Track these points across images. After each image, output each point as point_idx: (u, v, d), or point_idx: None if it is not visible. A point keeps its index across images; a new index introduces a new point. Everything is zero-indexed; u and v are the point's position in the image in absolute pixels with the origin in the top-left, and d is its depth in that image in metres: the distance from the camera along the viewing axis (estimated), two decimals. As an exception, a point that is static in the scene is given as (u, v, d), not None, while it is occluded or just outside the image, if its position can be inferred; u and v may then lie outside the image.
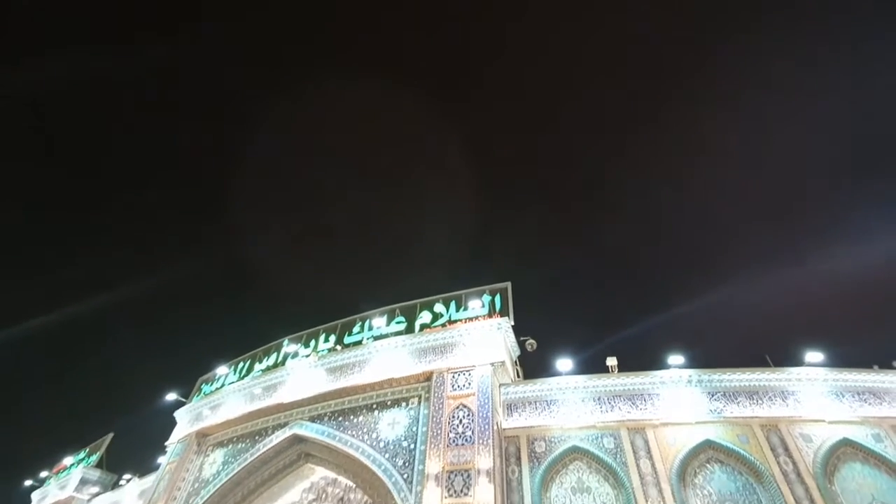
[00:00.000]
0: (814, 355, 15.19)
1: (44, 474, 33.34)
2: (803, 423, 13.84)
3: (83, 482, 28.04)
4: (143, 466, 26.15)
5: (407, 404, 16.61)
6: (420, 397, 16.48)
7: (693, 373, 15.09)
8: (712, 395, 14.66)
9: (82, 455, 30.68)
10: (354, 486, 17.96)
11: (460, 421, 14.64)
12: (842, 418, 13.82)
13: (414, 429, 15.65)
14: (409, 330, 18.42)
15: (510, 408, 15.71)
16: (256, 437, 19.10)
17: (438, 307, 18.67)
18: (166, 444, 22.39)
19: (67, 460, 32.07)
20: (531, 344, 17.55)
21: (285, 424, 18.52)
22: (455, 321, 17.75)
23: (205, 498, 18.09)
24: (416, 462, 14.57)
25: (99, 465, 28.77)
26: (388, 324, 19.28)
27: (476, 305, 17.74)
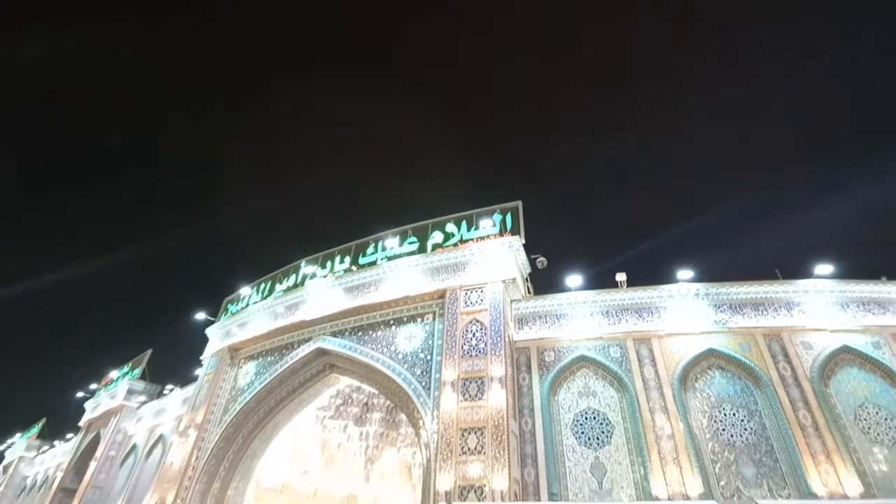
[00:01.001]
0: (823, 268, 15.31)
1: (93, 386, 36.68)
2: (805, 332, 14.36)
3: (130, 392, 30.86)
4: (183, 378, 28.60)
5: (422, 320, 17.43)
6: (434, 313, 17.23)
7: (701, 286, 15.44)
8: (718, 307, 15.13)
9: (126, 369, 33.45)
10: (377, 392, 19.47)
11: (473, 334, 15.41)
12: (844, 327, 14.26)
13: (430, 342, 16.57)
14: (422, 250, 18.79)
15: (521, 322, 16.43)
16: (284, 351, 20.45)
17: (450, 227, 18.85)
18: (202, 358, 24.18)
19: (113, 374, 35.05)
20: (541, 262, 17.88)
21: (309, 339, 19.70)
22: (466, 241, 18.00)
23: (242, 404, 19.85)
24: (433, 371, 15.62)
25: (142, 377, 31.46)
26: (401, 244, 19.64)
27: (487, 225, 17.86)
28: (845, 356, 13.99)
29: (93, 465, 29.11)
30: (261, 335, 21.37)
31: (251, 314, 22.51)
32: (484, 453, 12.86)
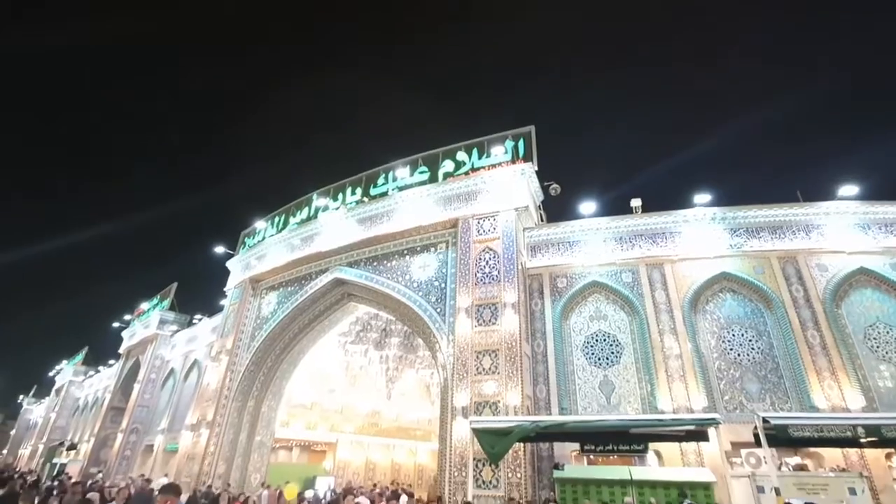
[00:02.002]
0: (848, 189, 14.78)
1: (127, 317, 38.86)
2: (822, 255, 14.19)
3: (162, 322, 32.67)
4: (209, 308, 30.03)
5: (435, 249, 17.62)
6: (447, 242, 17.37)
7: (717, 210, 15.14)
8: (734, 232, 14.94)
9: (156, 301, 35.14)
10: (394, 318, 20.27)
11: (486, 262, 15.60)
12: (864, 249, 14.03)
13: (443, 270, 16.88)
14: (433, 179, 18.55)
15: (534, 249, 16.52)
16: (302, 282, 21.11)
17: (461, 155, 18.42)
18: (225, 289, 25.16)
19: (144, 305, 36.93)
20: (555, 189, 17.57)
21: (326, 270, 20.22)
22: (478, 168, 17.65)
23: (267, 331, 20.92)
24: (448, 298, 16.07)
25: (171, 308, 33.11)
26: (412, 174, 19.38)
27: (499, 152, 17.39)
28: (861, 278, 13.91)
29: (136, 387, 31.66)
30: (279, 267, 21.98)
31: (268, 247, 23.01)
32: (498, 373, 13.55)
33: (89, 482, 18.54)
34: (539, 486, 12.68)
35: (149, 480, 13.08)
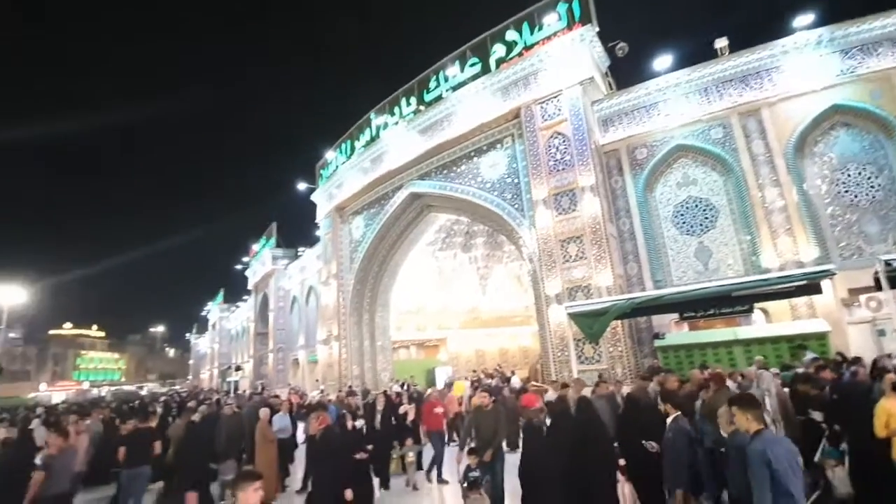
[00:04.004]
0: None
1: (245, 259, 44.13)
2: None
3: (274, 258, 36.73)
4: (309, 240, 32.95)
5: (502, 145, 17.12)
6: (513, 135, 16.72)
7: (824, 31, 12.49)
8: (846, 53, 12.36)
9: (263, 241, 39.23)
10: (475, 221, 20.74)
11: (557, 148, 14.91)
12: None
13: (514, 165, 16.51)
14: (485, 70, 17.36)
15: (606, 123, 15.35)
16: (382, 201, 22.03)
17: (510, 35, 16.80)
18: (317, 221, 27.19)
19: (255, 247, 41.45)
20: (622, 48, 15.59)
21: (400, 186, 20.77)
22: (531, 46, 16.08)
23: (362, 252, 22.65)
24: (523, 193, 15.92)
25: (277, 245, 36.86)
26: (463, 69, 18.28)
27: (552, 20, 15.56)
28: None
29: (271, 315, 36.98)
30: (357, 192, 22.98)
31: (343, 175, 23.94)
32: (585, 258, 13.66)
33: (257, 393, 22.96)
34: (640, 355, 13.29)
35: (353, 393, 15.80)
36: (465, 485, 5.91)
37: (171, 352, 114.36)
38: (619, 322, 12.47)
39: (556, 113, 15.08)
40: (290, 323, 35.88)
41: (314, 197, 27.04)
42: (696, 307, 10.95)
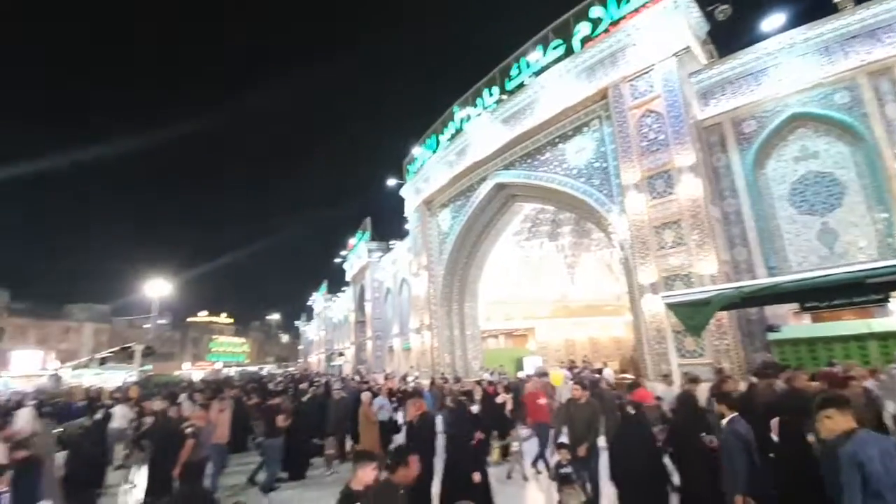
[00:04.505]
0: None
1: (343, 253, 47.43)
2: None
3: (369, 251, 39.06)
4: (399, 233, 34.53)
5: (588, 129, 16.46)
6: (600, 118, 16.00)
7: None
8: None
9: (358, 235, 41.86)
10: (561, 209, 20.25)
11: (650, 127, 14.00)
12: None
13: (602, 149, 15.82)
14: (569, 52, 16.73)
15: (706, 96, 14.03)
16: (467, 193, 22.38)
17: (595, 11, 15.98)
18: (405, 214, 28.40)
19: (352, 241, 44.35)
20: (723, 11, 14.08)
21: (485, 178, 20.91)
22: (618, 21, 15.16)
23: (450, 244, 23.24)
24: (612, 177, 15.21)
25: (372, 239, 39.13)
26: (545, 53, 17.80)
27: (641, -10, 14.51)
28: None
29: (367, 305, 39.43)
30: (444, 185, 23.56)
31: (429, 169, 24.67)
32: (684, 244, 12.74)
33: (359, 377, 24.78)
34: (751, 349, 12.14)
35: (445, 380, 16.93)
36: (558, 479, 5.94)
37: (285, 337, 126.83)
38: (724, 313, 11.48)
39: (648, 90, 14.12)
40: (385, 312, 37.99)
41: (403, 192, 28.21)
42: (821, 296, 9.68)
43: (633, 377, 14.97)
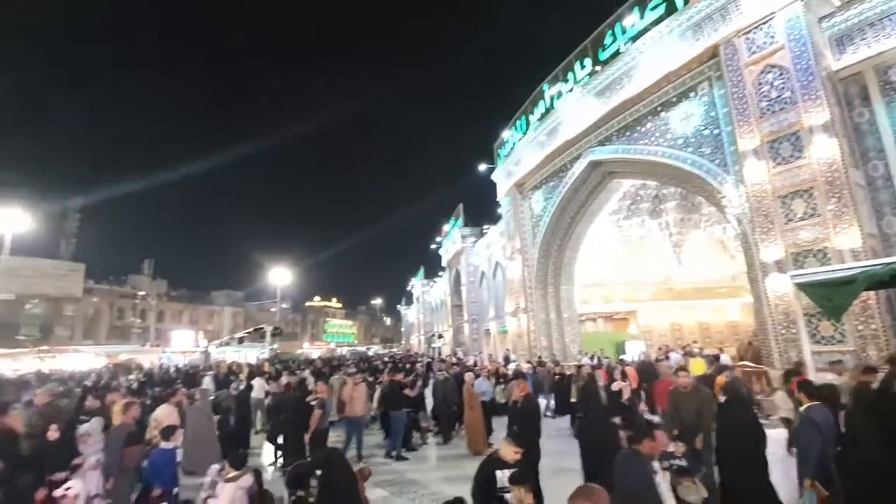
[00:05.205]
0: None
1: (438, 239, 48.87)
2: None
3: (462, 237, 39.79)
4: (491, 218, 34.69)
5: (695, 93, 15.04)
6: (710, 79, 14.50)
7: None
8: None
9: (452, 221, 42.78)
10: (664, 183, 18.81)
11: (771, 84, 12.38)
12: None
13: (712, 114, 14.38)
14: (671, 10, 15.29)
15: (841, 42, 11.96)
16: (560, 174, 21.71)
17: (701, -40, 14.38)
18: (498, 199, 28.39)
19: (446, 227, 45.48)
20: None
21: (579, 156, 20.09)
22: (730, -33, 13.47)
23: (544, 227, 22.81)
24: (726, 145, 13.81)
25: (465, 224, 39.80)
26: (642, 16, 16.46)
27: (757, -72, 12.73)
28: None
29: (463, 289, 40.35)
30: (535, 167, 23.09)
31: (520, 152, 24.32)
32: (819, 215, 11.19)
33: (455, 358, 25.67)
34: (905, 334, 10.37)
35: (542, 363, 17.38)
36: (673, 472, 5.63)
37: (388, 320, 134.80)
38: (870, 293, 9.94)
39: (769, 41, 12.46)
40: (480, 296, 38.59)
41: (494, 176, 28.19)
42: None
43: (753, 365, 13.68)
